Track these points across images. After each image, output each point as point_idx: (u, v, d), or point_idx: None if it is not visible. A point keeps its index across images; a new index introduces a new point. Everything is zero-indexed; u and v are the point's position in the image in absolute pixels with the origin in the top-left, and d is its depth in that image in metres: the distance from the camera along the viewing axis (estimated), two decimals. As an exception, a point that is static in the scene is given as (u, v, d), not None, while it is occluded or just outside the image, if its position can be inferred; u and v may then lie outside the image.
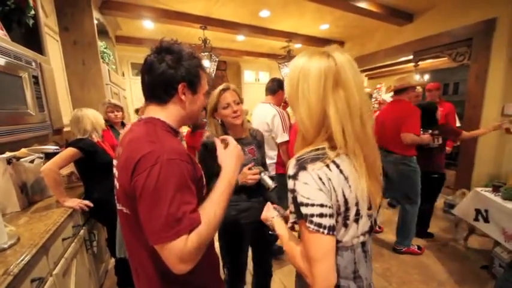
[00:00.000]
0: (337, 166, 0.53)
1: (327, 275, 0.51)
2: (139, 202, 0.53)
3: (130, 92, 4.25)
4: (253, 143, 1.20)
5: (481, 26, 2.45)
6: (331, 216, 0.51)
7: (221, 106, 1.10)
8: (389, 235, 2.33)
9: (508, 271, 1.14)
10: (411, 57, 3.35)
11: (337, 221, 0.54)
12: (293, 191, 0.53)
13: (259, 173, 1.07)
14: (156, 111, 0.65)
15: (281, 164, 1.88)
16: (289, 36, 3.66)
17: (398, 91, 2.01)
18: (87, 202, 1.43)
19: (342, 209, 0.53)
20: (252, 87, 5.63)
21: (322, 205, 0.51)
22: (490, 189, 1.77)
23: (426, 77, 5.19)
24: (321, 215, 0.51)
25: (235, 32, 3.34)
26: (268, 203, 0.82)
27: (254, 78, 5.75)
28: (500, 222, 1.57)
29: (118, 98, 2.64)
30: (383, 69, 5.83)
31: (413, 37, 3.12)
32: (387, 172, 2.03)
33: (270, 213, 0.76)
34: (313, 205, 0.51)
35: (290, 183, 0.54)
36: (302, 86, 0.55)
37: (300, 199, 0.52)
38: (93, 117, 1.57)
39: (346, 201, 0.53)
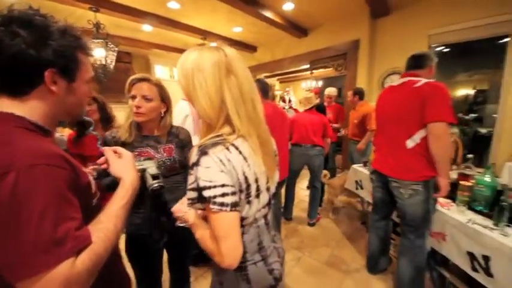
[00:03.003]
0: (236, 148, 0.57)
1: (233, 250, 0.54)
2: None
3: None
4: (173, 141, 1.09)
5: (351, 44, 3.25)
6: (233, 193, 0.54)
7: (129, 95, 1.01)
8: (299, 213, 2.79)
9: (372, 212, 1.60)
10: (308, 65, 4.04)
11: (240, 198, 0.57)
12: (196, 178, 0.54)
13: (142, 170, 0.85)
14: (9, 106, 0.47)
15: None
16: (204, 33, 3.61)
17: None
18: None
19: (244, 186, 0.57)
20: (167, 85, 5.10)
21: (223, 185, 0.53)
22: (362, 165, 2.39)
23: (320, 83, 6.41)
24: (223, 195, 0.53)
25: (138, 20, 2.96)
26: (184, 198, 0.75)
27: (168, 75, 5.31)
28: (368, 187, 2.14)
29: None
30: (291, 75, 6.75)
31: (309, 49, 3.76)
32: (311, 162, 2.52)
33: (184, 206, 0.71)
34: (215, 187, 0.53)
35: (194, 171, 0.54)
36: (198, 78, 0.56)
37: (201, 184, 0.53)
38: None
39: (246, 179, 0.57)
